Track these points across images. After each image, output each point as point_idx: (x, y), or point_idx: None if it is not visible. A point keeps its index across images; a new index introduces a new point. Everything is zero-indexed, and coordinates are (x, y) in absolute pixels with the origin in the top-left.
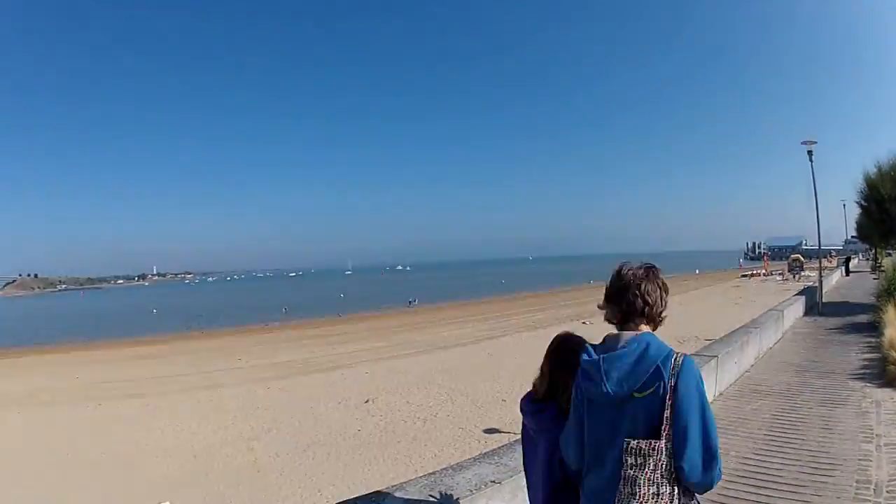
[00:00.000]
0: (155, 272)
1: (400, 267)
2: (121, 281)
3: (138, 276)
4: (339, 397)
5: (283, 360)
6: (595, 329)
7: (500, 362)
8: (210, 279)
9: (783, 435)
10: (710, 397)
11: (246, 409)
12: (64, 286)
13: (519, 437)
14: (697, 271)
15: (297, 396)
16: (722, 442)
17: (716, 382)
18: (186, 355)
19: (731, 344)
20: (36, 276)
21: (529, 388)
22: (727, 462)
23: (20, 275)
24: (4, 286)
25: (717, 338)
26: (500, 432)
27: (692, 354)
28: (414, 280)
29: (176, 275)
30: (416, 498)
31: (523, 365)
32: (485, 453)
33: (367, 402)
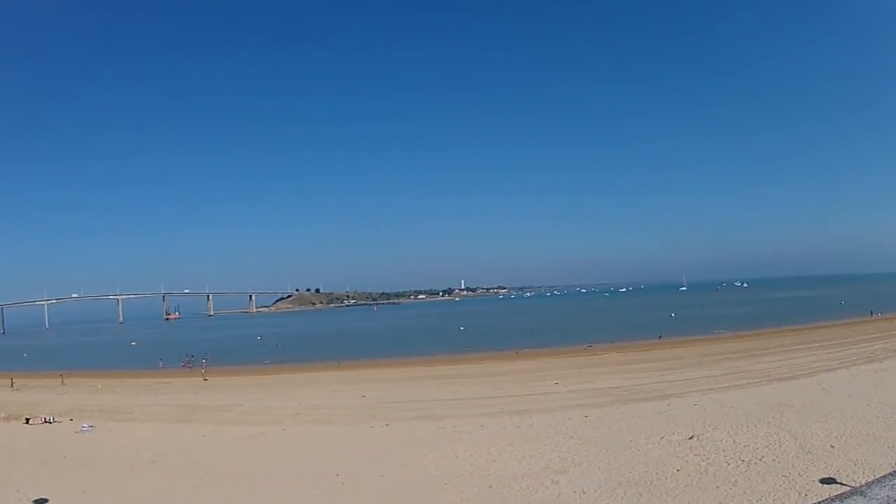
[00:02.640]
0: (463, 286)
1: (738, 283)
2: (422, 296)
3: (443, 291)
4: (662, 431)
5: (604, 385)
6: None
7: (833, 400)
8: (527, 294)
9: None
10: None
11: (557, 438)
12: (353, 301)
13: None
14: None
15: (616, 427)
16: None
17: None
18: (496, 377)
19: None
20: (318, 290)
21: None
22: None
23: (297, 289)
24: (277, 301)
25: None
26: (837, 483)
27: None
28: (750, 299)
29: (487, 289)
30: None
31: (858, 405)
32: None
33: (691, 437)
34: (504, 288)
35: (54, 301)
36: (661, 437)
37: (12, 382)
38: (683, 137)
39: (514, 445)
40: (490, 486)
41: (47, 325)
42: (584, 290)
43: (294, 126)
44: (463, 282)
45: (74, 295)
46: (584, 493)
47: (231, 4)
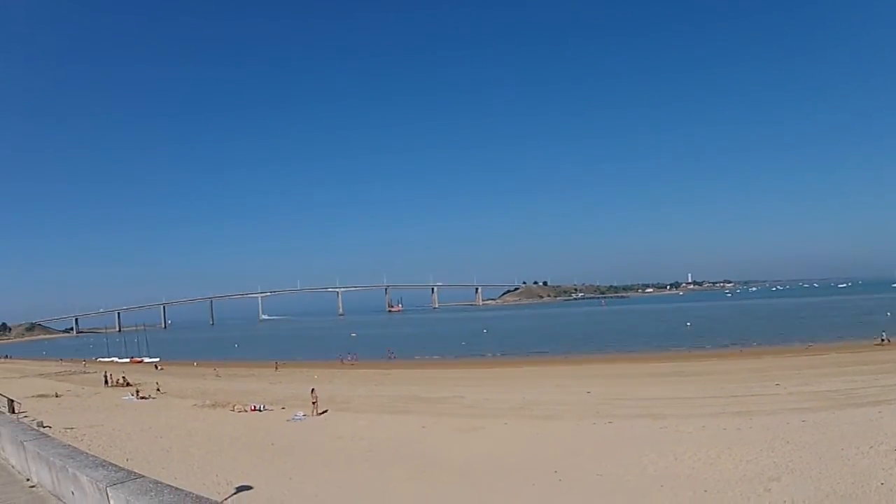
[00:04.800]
0: (690, 280)
1: None
2: (650, 290)
3: (670, 285)
4: (872, 440)
5: (823, 388)
6: None
7: None
8: (752, 289)
9: None
10: None
11: (774, 443)
12: (581, 295)
13: None
14: None
15: (830, 434)
16: None
17: None
18: (718, 375)
19: None
20: (545, 283)
21: None
22: None
23: (524, 282)
24: (504, 294)
25: None
26: None
27: None
28: None
29: (714, 283)
30: None
31: None
32: None
33: None
34: (730, 282)
35: (269, 294)
36: (870, 447)
37: (216, 371)
38: None
39: (733, 448)
40: (705, 491)
41: (261, 317)
42: (805, 285)
43: (523, 119)
44: (690, 275)
45: (290, 288)
46: (794, 502)
47: None
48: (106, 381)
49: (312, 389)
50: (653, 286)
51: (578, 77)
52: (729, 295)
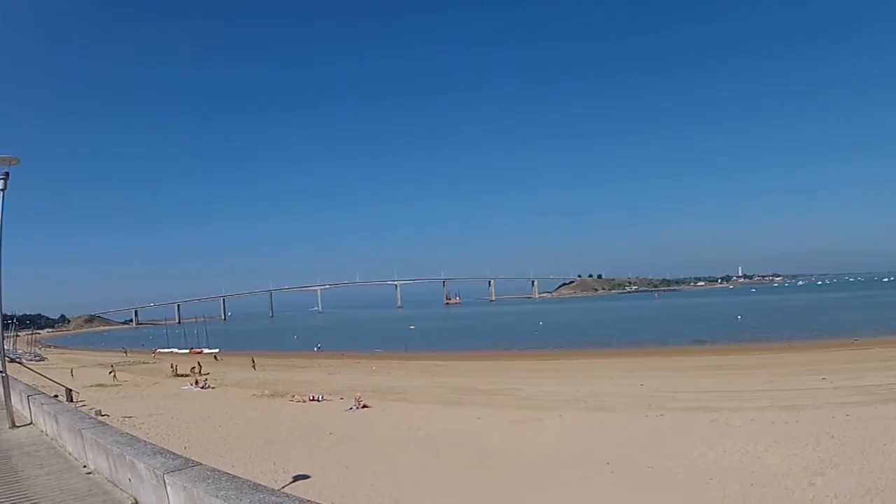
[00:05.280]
0: (740, 274)
1: None
2: (701, 283)
3: (721, 279)
4: None
5: (868, 383)
6: None
7: None
8: (799, 283)
9: None
10: None
11: (819, 437)
12: (635, 287)
13: None
14: None
15: (873, 429)
16: None
17: None
18: (767, 369)
19: None
20: (600, 276)
21: None
22: None
23: (579, 275)
24: (559, 287)
25: None
26: None
27: None
28: None
29: (763, 277)
30: None
31: None
32: None
33: None
34: (778, 276)
35: (328, 286)
36: None
37: (253, 362)
38: None
39: (780, 443)
40: (752, 485)
41: (319, 309)
42: (851, 279)
43: (581, 114)
44: (740, 269)
45: (349, 281)
46: (836, 497)
47: None
48: (179, 372)
49: (359, 398)
50: (704, 280)
51: (630, 70)
52: (776, 287)
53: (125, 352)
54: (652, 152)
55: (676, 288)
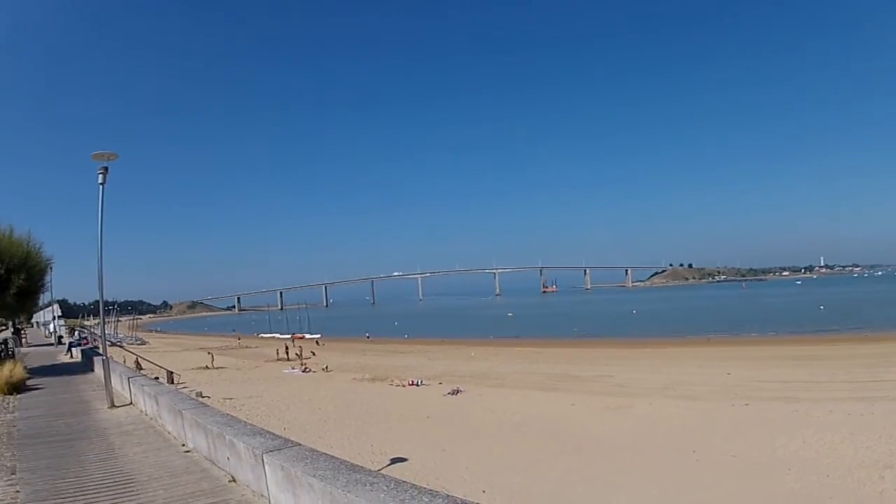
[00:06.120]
0: (822, 264)
1: None
2: (786, 273)
3: (804, 269)
4: None
5: None
6: None
7: None
8: (878, 273)
9: None
10: None
11: (892, 430)
12: (723, 277)
13: None
14: None
15: None
16: None
17: None
18: (846, 360)
19: None
20: (690, 265)
21: None
22: None
23: (670, 264)
24: (652, 276)
25: None
26: None
27: None
28: None
29: (843, 267)
30: None
31: None
32: None
33: None
34: (857, 266)
35: (428, 274)
36: None
37: (374, 346)
38: None
39: (855, 434)
40: (827, 476)
41: (420, 297)
42: None
43: (668, 102)
44: (822, 259)
45: (448, 269)
46: None
47: None
48: (281, 356)
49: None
50: (788, 269)
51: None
52: (856, 277)
53: (238, 337)
54: (737, 144)
55: (762, 277)
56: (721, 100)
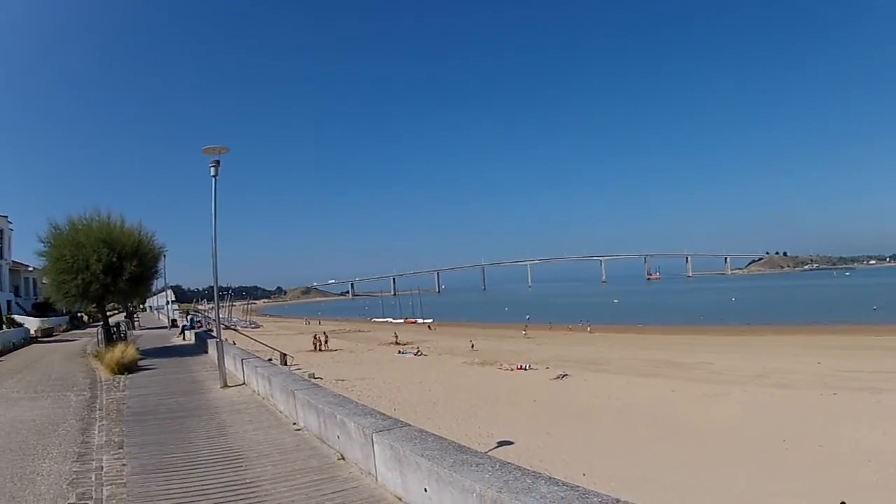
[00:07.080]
0: None
1: None
2: (872, 262)
3: (889, 257)
4: None
5: None
6: None
7: None
8: None
9: None
10: None
11: None
12: (815, 265)
13: None
14: None
15: None
16: None
17: None
18: None
19: None
20: (785, 254)
21: None
22: None
23: (767, 252)
24: (749, 264)
25: None
26: None
27: None
28: None
29: None
30: None
31: None
32: None
33: None
34: None
35: (537, 261)
36: None
37: (485, 331)
38: None
39: None
40: None
41: (529, 283)
42: None
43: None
44: None
45: (557, 256)
46: None
47: None
48: (394, 340)
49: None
50: (875, 258)
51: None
52: None
53: (307, 321)
54: (833, 136)
55: (851, 266)
56: (814, 83)
